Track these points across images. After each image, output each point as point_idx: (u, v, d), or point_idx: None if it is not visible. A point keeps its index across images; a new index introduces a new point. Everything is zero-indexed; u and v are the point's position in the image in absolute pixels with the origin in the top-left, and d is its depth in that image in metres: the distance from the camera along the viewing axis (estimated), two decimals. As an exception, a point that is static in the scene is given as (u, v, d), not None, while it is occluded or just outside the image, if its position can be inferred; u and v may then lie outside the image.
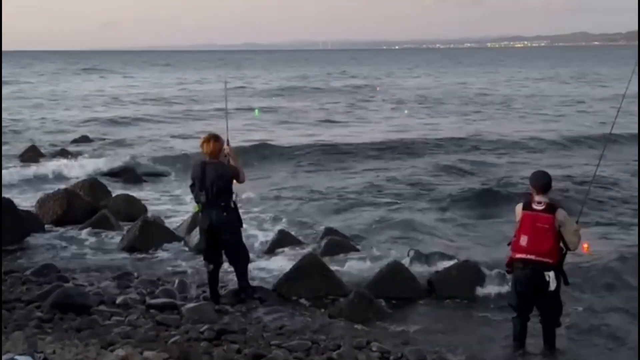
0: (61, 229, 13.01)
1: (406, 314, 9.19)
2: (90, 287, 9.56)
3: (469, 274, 9.99)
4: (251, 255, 10.25)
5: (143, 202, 14.96)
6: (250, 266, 10.89)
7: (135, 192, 16.54)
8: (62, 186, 15.62)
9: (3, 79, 54.16)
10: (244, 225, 9.65)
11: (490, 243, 12.51)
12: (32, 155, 22.47)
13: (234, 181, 9.00)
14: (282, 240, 12.16)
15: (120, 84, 66.10)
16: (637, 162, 20.32)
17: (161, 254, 11.65)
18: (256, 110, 36.65)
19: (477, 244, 12.82)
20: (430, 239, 13.05)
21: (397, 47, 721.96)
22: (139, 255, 11.55)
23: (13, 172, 19.56)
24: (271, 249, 11.91)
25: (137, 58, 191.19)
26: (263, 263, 11.23)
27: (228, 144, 9.15)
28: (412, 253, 11.10)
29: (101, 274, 10.49)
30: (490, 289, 9.87)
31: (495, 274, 9.97)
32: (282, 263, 11.01)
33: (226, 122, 10.41)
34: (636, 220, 13.90)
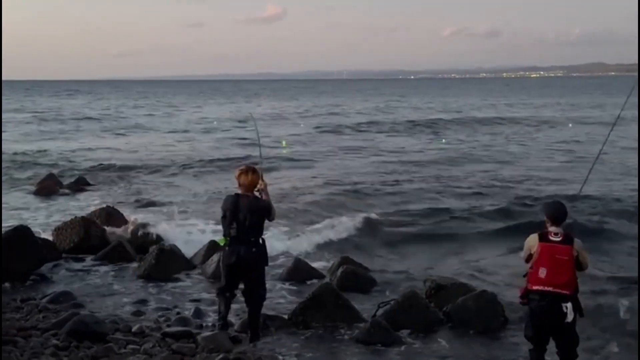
0: (78, 257, 13.06)
1: (423, 344, 9.12)
2: (106, 314, 9.59)
3: (486, 305, 9.91)
4: (267, 283, 10.28)
5: (159, 229, 14.99)
6: (268, 294, 10.90)
7: (151, 220, 16.61)
8: (79, 214, 15.73)
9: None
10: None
11: (508, 274, 12.44)
12: (50, 183, 22.65)
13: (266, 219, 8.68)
14: (298, 268, 12.15)
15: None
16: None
17: (177, 282, 11.67)
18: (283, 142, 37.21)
19: (494, 274, 12.74)
20: (448, 268, 13.00)
21: (412, 77, 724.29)
22: (155, 283, 11.57)
23: (31, 199, 19.72)
24: (286, 277, 11.91)
25: (165, 87, 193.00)
26: (278, 291, 11.21)
27: (262, 179, 8.81)
28: (428, 283, 11.06)
29: (117, 301, 10.53)
30: (507, 320, 9.80)
31: (512, 305, 9.90)
32: (297, 292, 10.98)
33: (259, 152, 10.47)
34: None
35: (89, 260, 12.86)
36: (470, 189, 21.83)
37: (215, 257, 12.11)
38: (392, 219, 17.50)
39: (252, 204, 8.55)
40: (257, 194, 8.73)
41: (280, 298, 10.82)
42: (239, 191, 8.66)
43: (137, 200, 20.21)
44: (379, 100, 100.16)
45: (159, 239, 14.23)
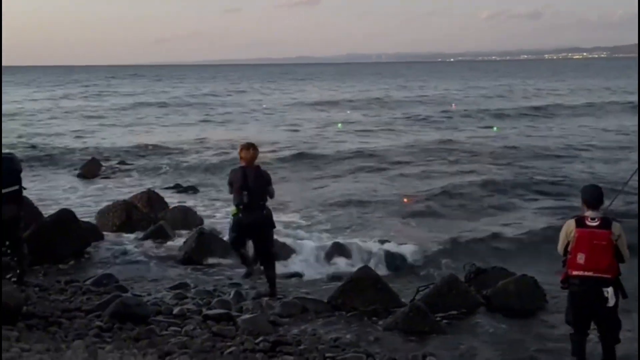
0: (120, 240, 13.23)
1: (462, 328, 9.08)
2: (148, 297, 9.71)
3: (526, 289, 9.84)
4: (306, 269, 10.54)
5: (199, 213, 15.13)
6: (304, 278, 10.95)
7: (192, 203, 16.79)
8: (121, 198, 15.92)
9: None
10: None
11: (549, 258, 12.29)
12: (93, 167, 22.97)
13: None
14: (337, 252, 12.17)
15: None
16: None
17: (217, 266, 11.75)
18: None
19: (534, 258, 12.61)
20: (487, 252, 12.90)
21: (452, 60, 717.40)
22: (196, 266, 11.68)
23: (74, 184, 20.05)
24: (325, 261, 11.93)
25: (205, 71, 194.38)
26: (317, 274, 11.23)
27: None
28: (468, 267, 10.99)
29: (158, 284, 10.65)
30: (548, 304, 9.70)
31: (553, 289, 9.80)
32: (336, 275, 10.99)
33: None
34: None
35: (130, 243, 13.02)
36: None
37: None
38: (434, 203, 17.43)
39: (258, 173, 9.88)
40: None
41: (319, 281, 10.84)
42: (242, 164, 9.89)
43: (178, 184, 20.40)
44: (450, 84, 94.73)
45: (199, 222, 14.34)
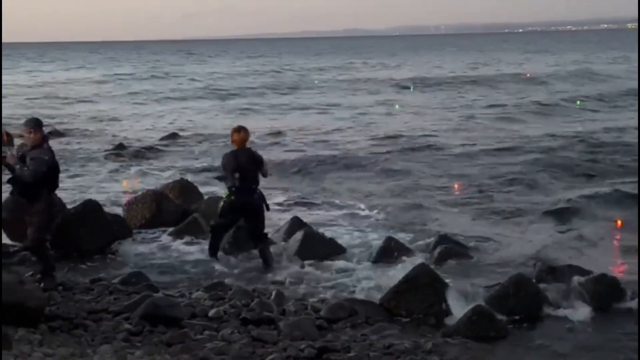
0: (150, 234, 13.37)
1: (531, 333, 9.01)
2: (181, 297, 9.83)
3: (606, 289, 9.71)
4: (355, 265, 11.41)
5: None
6: (354, 277, 10.97)
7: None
8: (151, 188, 16.08)
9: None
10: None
11: (627, 255, 12.12)
12: (120, 154, 23.30)
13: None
14: (390, 248, 12.12)
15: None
16: None
17: (257, 263, 11.82)
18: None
19: (611, 256, 12.43)
20: (559, 250, 12.73)
21: (520, 30, 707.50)
22: (233, 264, 11.76)
23: (100, 173, 20.35)
24: (377, 258, 11.90)
25: (249, 46, 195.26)
26: (368, 274, 11.23)
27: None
28: (538, 265, 10.89)
29: (193, 283, 10.77)
30: (629, 304, 9.57)
31: (635, 289, 9.67)
32: (389, 274, 10.98)
33: None
34: None
35: (161, 237, 13.15)
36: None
37: (298, 235, 12.23)
38: (498, 194, 17.28)
39: (249, 155, 11.40)
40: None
41: (370, 281, 10.82)
42: (234, 148, 11.42)
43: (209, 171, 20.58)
44: (547, 58, 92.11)
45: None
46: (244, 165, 11.26)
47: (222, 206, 11.66)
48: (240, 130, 11.55)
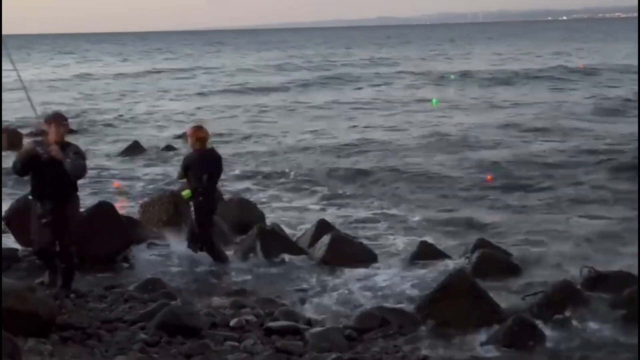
0: (167, 238, 13.40)
1: (574, 344, 8.93)
2: (200, 305, 9.87)
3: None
4: (387, 271, 11.48)
5: (260, 206, 15.22)
6: (386, 284, 10.97)
7: (250, 195, 16.96)
8: (168, 188, 16.12)
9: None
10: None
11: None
12: (135, 152, 23.46)
13: None
14: (424, 253, 12.11)
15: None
16: None
17: (281, 268, 11.86)
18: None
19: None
20: (610, 254, 12.64)
21: (564, 18, 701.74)
22: (256, 270, 11.80)
23: (114, 172, 20.49)
24: (410, 263, 11.89)
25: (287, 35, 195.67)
26: (400, 280, 11.21)
27: None
28: (586, 271, 10.82)
29: (213, 290, 10.80)
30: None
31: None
32: (423, 281, 10.97)
33: None
34: None
35: (179, 241, 13.16)
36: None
37: (325, 240, 12.23)
38: (543, 194, 17.19)
39: (214, 156, 11.91)
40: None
41: (403, 288, 10.82)
42: (196, 147, 11.74)
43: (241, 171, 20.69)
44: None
45: (260, 217, 14.41)
46: (211, 165, 11.75)
47: (194, 206, 11.73)
48: (202, 128, 11.99)
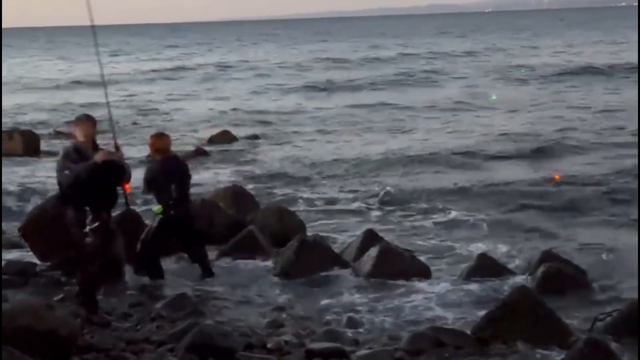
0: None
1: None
2: (234, 324, 9.86)
3: None
4: (442, 287, 11.28)
5: (300, 216, 15.21)
6: (440, 301, 10.89)
7: (290, 204, 16.94)
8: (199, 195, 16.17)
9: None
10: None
11: None
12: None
13: None
14: (483, 267, 12.02)
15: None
16: None
17: (323, 284, 11.83)
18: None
19: None
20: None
21: (623, 4, 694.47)
22: (296, 285, 11.79)
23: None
24: (468, 279, 11.81)
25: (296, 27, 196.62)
26: (457, 297, 11.14)
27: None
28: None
29: (248, 308, 10.81)
30: None
31: None
32: (482, 298, 10.88)
33: None
34: None
35: (211, 254, 13.21)
36: None
37: (373, 252, 12.16)
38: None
39: (180, 163, 11.89)
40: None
41: (459, 306, 10.73)
42: (157, 157, 11.59)
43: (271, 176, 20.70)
44: None
45: (302, 227, 14.37)
46: (177, 174, 11.63)
47: (160, 220, 11.52)
48: (162, 135, 12.11)
